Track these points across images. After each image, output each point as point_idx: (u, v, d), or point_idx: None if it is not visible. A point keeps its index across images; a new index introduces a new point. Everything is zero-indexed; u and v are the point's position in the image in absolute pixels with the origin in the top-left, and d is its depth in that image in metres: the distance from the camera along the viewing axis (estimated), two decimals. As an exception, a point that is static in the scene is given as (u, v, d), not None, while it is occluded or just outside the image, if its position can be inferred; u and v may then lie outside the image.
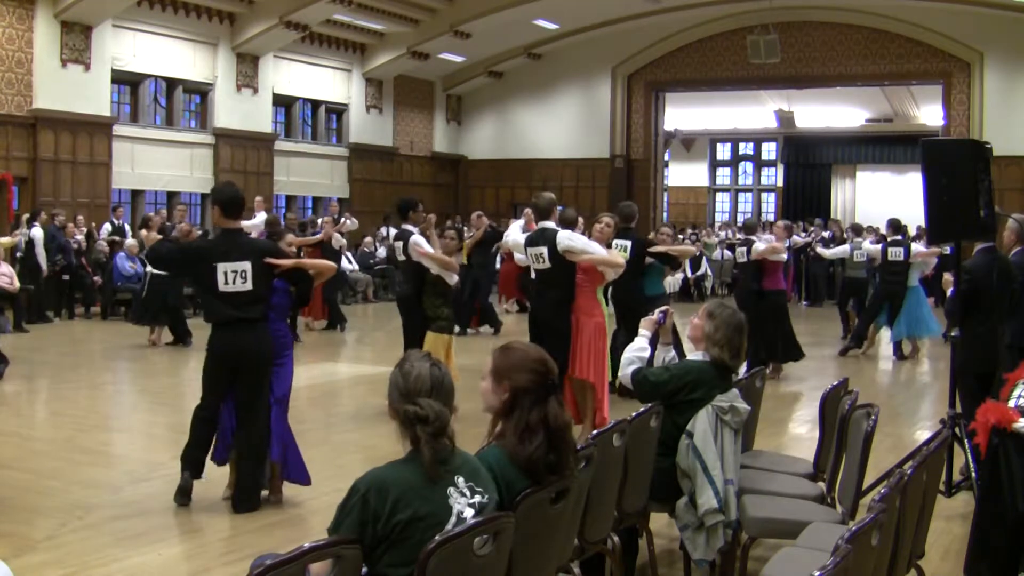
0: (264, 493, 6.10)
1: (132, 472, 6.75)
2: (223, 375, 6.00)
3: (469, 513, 2.92)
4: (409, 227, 8.85)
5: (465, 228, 16.98)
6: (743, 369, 11.27)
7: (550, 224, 7.74)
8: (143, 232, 14.48)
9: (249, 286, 5.90)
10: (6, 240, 13.10)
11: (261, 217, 14.83)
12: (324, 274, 6.45)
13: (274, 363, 6.11)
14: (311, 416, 9.29)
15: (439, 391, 3.00)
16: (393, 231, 12.79)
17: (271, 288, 6.08)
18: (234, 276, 5.88)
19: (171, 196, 20.50)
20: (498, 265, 17.97)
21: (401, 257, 8.88)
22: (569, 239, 7.60)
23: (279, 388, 6.13)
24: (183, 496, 6.00)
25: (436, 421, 2.93)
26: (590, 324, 7.68)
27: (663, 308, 5.08)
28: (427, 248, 8.38)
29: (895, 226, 13.63)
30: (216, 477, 6.67)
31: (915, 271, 13.05)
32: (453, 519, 2.89)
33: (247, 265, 5.89)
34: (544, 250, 7.59)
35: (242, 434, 5.98)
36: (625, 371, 4.76)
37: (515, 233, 9.60)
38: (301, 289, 6.30)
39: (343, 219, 17.85)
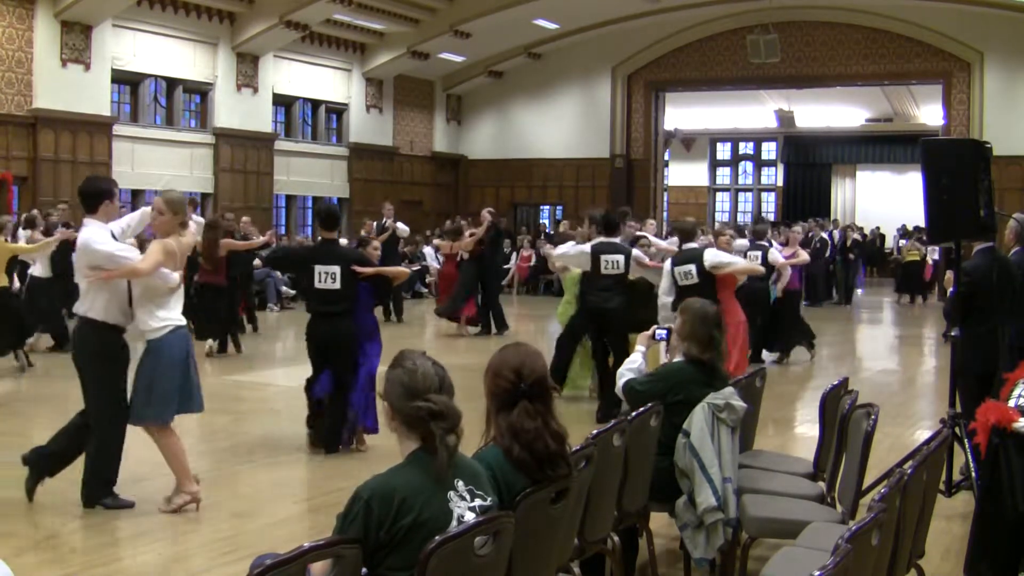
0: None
1: (132, 472, 6.73)
2: (317, 354, 7.45)
3: (470, 516, 2.91)
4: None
5: (464, 223, 16.84)
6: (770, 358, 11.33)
7: (694, 244, 8.88)
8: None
9: (337, 286, 7.30)
10: (30, 245, 12.52)
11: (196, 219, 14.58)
12: (400, 279, 8.19)
13: (364, 346, 7.44)
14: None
15: (444, 388, 3.00)
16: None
17: (356, 288, 7.41)
18: (327, 277, 7.31)
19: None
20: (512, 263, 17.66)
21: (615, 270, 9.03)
22: (716, 256, 8.67)
23: (370, 364, 7.48)
24: (313, 447, 7.48)
25: (451, 417, 2.93)
26: (733, 325, 8.32)
27: (666, 326, 5.10)
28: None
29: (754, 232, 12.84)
30: (216, 478, 6.67)
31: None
32: (454, 523, 2.87)
33: (337, 269, 7.30)
34: (692, 268, 8.45)
35: (333, 396, 7.35)
36: (618, 384, 4.88)
37: (567, 247, 9.86)
38: (380, 290, 7.92)
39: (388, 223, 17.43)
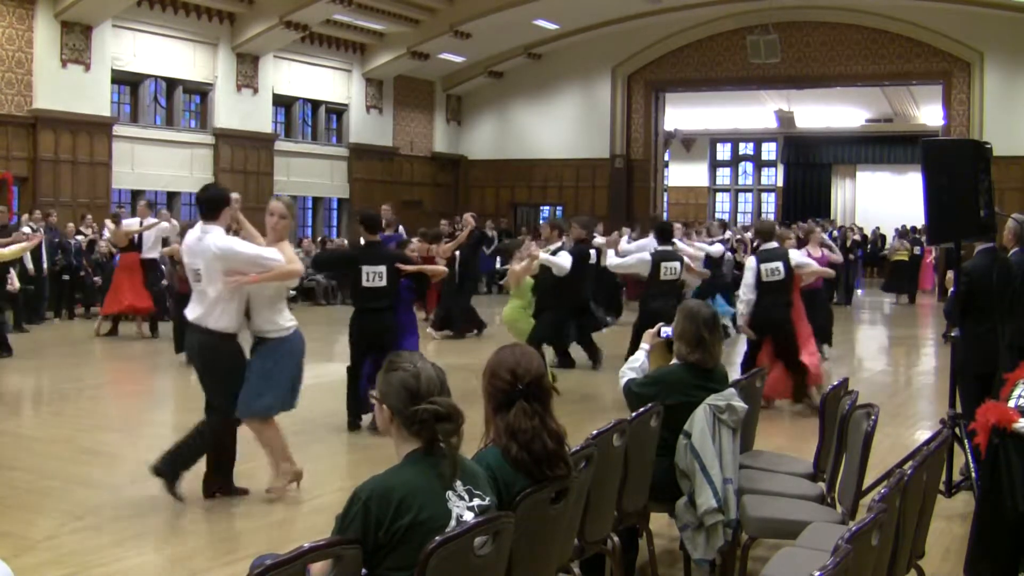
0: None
1: (132, 472, 6.74)
2: (363, 346, 7.98)
3: (469, 517, 2.90)
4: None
5: (445, 225, 16.75)
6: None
7: (773, 244, 9.42)
8: (111, 226, 14.54)
9: (384, 284, 7.93)
10: (10, 250, 12.47)
11: (150, 221, 14.21)
12: (438, 276, 8.80)
13: (405, 338, 8.17)
14: (311, 415, 9.29)
15: (445, 390, 3.00)
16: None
17: (399, 285, 8.09)
18: (374, 276, 7.91)
19: (171, 196, 20.51)
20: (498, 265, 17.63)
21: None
22: (800, 257, 9.61)
23: None
24: (351, 429, 8.08)
25: (456, 418, 2.93)
26: (800, 319, 9.33)
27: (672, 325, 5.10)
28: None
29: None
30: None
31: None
32: (453, 523, 2.87)
33: (383, 268, 7.92)
34: (780, 265, 9.12)
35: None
36: (620, 384, 4.90)
37: (630, 256, 10.92)
38: (420, 287, 8.71)
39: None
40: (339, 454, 7.63)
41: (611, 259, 10.79)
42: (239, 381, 5.95)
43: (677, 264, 9.77)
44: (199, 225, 5.99)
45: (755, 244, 10.39)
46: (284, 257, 5.97)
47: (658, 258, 9.72)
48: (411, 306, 8.81)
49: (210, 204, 5.94)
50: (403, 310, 8.42)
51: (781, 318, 9.12)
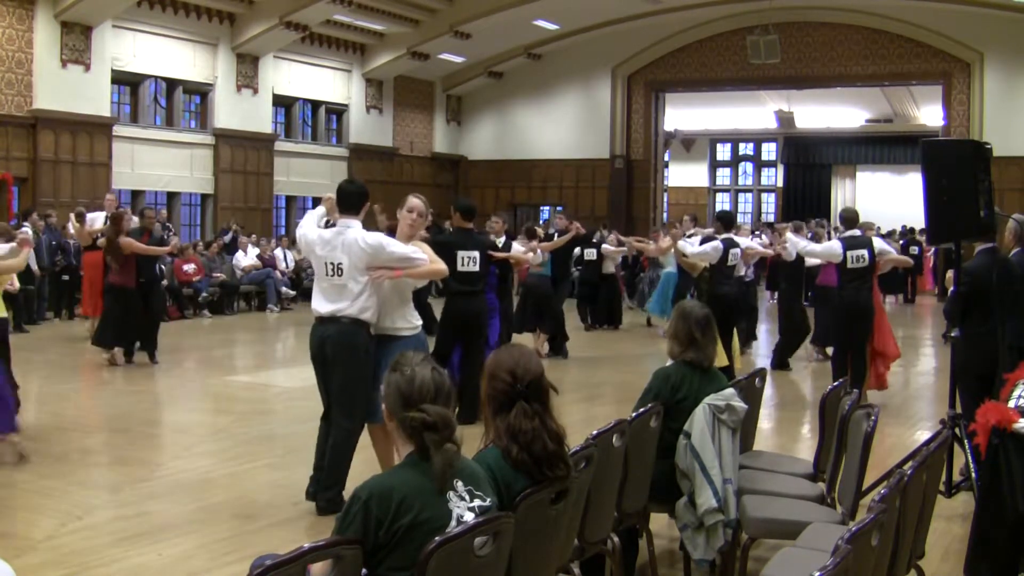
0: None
1: (132, 472, 6.75)
2: (454, 329, 8.50)
3: (469, 517, 2.90)
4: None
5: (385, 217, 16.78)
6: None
7: (857, 231, 9.78)
8: (75, 224, 14.06)
9: (476, 268, 8.48)
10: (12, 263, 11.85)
11: (100, 215, 13.78)
12: (521, 263, 10.22)
13: (488, 320, 8.83)
14: (311, 415, 9.29)
15: (441, 396, 2.98)
16: None
17: (489, 270, 8.88)
18: (468, 260, 8.43)
19: (171, 196, 20.51)
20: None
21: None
22: (882, 243, 10.26)
23: (492, 337, 8.96)
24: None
25: (445, 428, 2.90)
26: (879, 309, 9.99)
27: None
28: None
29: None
30: (216, 478, 6.68)
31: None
32: (453, 523, 2.86)
33: (476, 254, 8.49)
34: (865, 252, 9.44)
35: (466, 366, 8.33)
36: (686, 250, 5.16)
37: (701, 247, 11.15)
38: (504, 273, 10.05)
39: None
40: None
41: (689, 248, 10.99)
42: (369, 379, 5.79)
43: (738, 251, 10.56)
44: (339, 221, 5.88)
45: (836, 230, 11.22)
46: (427, 256, 5.98)
47: (727, 246, 10.37)
48: (495, 291, 9.67)
49: (357, 198, 5.90)
50: (489, 294, 9.17)
51: (867, 302, 9.48)
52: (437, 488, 2.88)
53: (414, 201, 6.14)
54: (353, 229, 5.77)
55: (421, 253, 5.92)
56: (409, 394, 2.94)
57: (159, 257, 12.64)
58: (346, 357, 5.82)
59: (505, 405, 3.27)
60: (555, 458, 3.26)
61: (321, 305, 5.84)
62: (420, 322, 6.09)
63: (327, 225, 6.08)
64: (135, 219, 12.11)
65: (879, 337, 9.72)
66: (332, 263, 5.77)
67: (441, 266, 6.06)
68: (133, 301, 11.42)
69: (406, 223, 6.12)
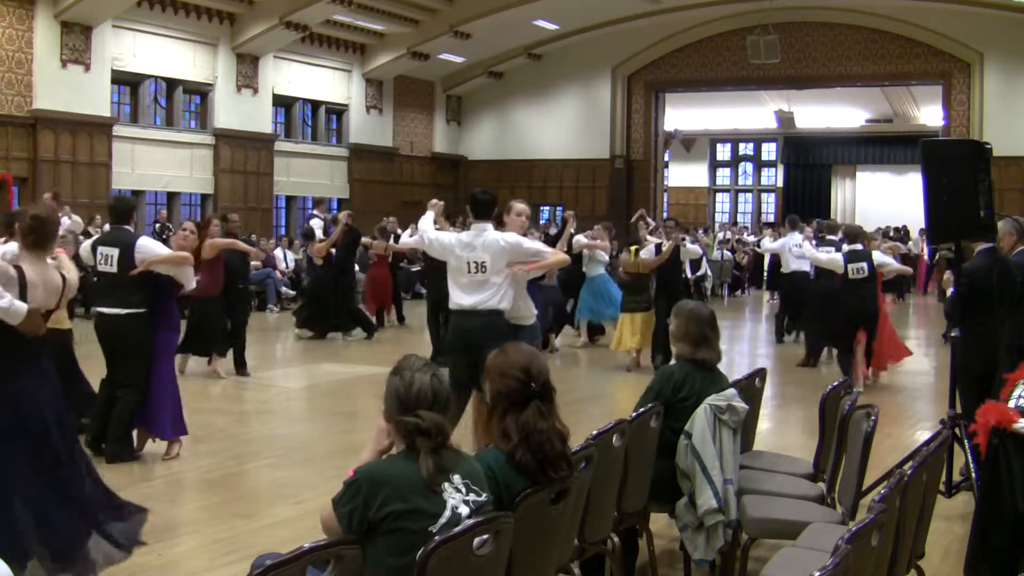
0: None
1: (132, 472, 6.74)
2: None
3: (464, 509, 2.92)
4: None
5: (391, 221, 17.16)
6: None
7: (859, 245, 10.52)
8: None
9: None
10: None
11: (67, 222, 13.32)
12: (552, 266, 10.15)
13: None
14: (311, 415, 9.30)
15: (438, 403, 3.01)
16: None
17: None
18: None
19: (171, 197, 20.51)
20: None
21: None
22: (881, 257, 10.94)
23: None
24: None
25: (438, 435, 2.94)
26: (882, 315, 10.78)
27: None
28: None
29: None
30: (216, 478, 6.68)
31: (592, 263, 13.75)
32: (448, 512, 2.89)
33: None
34: (864, 264, 10.28)
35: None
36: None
37: (768, 243, 12.57)
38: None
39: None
40: (338, 455, 7.61)
41: (811, 251, 11.60)
42: None
43: (864, 264, 10.51)
44: (474, 225, 6.60)
45: (841, 242, 11.52)
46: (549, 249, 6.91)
47: (849, 258, 10.57)
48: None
49: (491, 205, 6.67)
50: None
51: (873, 308, 10.42)
52: (426, 485, 2.90)
53: (521, 206, 6.87)
54: (490, 231, 6.53)
55: (546, 247, 6.95)
56: (406, 399, 2.99)
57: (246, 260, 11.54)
58: (493, 343, 6.02)
59: (518, 404, 3.27)
60: (560, 458, 3.27)
61: (462, 299, 6.53)
62: (536, 312, 6.91)
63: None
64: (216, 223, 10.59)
65: (880, 338, 10.59)
66: (475, 262, 6.48)
67: (563, 257, 7.06)
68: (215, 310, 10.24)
69: (517, 225, 6.80)
